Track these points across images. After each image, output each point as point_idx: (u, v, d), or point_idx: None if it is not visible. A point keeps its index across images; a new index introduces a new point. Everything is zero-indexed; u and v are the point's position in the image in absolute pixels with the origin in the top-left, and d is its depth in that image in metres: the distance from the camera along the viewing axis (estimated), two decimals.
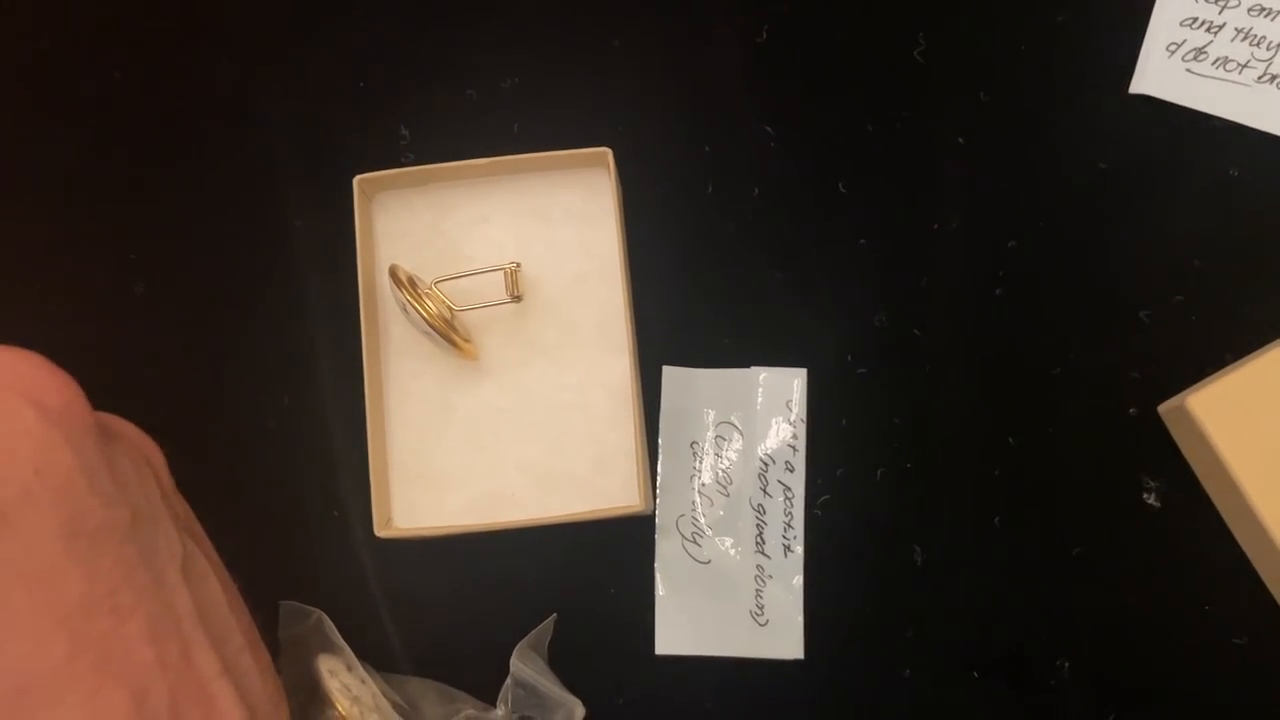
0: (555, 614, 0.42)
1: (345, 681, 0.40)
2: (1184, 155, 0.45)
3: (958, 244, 0.45)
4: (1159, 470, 0.43)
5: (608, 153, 0.41)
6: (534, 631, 0.40)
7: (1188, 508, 0.42)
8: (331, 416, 0.44)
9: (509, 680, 0.38)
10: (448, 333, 0.40)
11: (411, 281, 0.40)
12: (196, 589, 0.28)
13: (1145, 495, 0.43)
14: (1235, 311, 0.44)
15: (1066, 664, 0.42)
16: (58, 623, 0.24)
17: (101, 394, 0.46)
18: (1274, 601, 0.42)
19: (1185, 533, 0.42)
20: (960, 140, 0.45)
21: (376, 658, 0.42)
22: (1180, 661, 0.42)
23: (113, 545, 0.25)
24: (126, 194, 0.47)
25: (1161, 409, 0.43)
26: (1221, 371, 0.42)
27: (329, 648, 0.41)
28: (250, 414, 0.45)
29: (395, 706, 0.40)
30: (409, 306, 0.39)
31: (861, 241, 0.45)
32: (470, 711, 0.39)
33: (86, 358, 0.46)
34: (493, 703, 0.39)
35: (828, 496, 0.43)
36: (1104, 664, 0.42)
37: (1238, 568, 0.42)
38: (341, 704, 0.39)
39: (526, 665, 0.39)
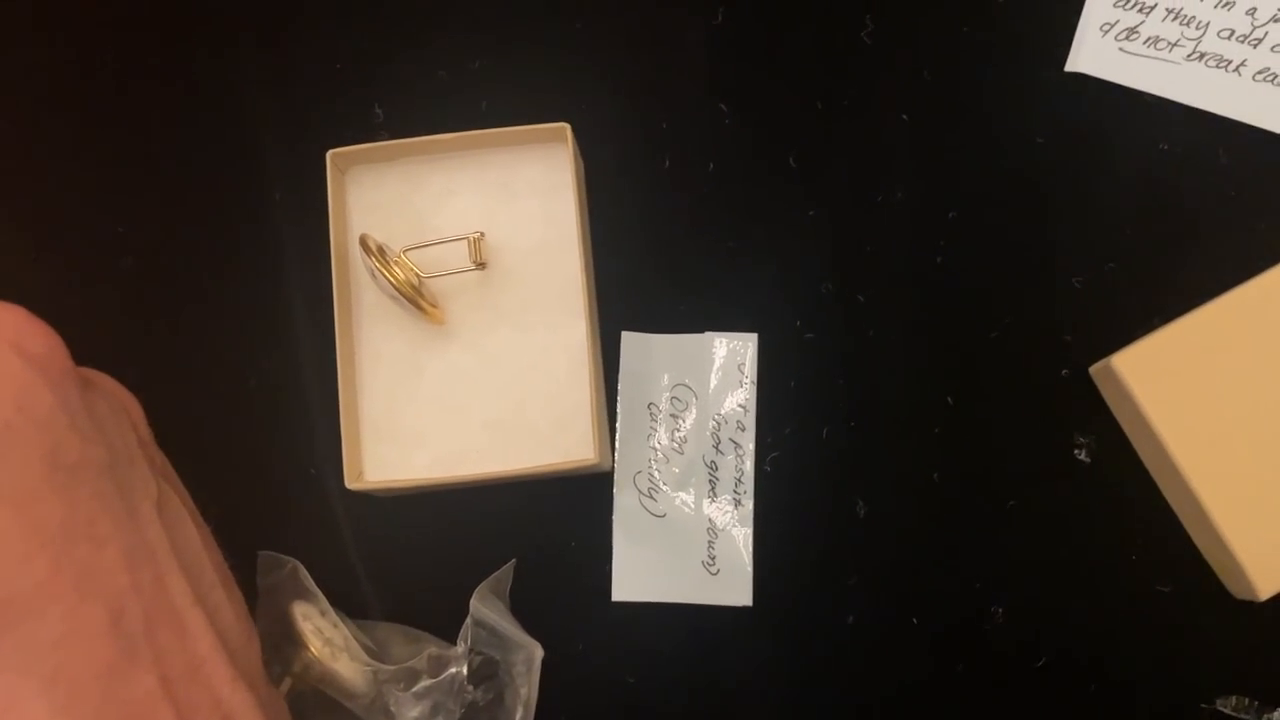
0: (514, 559, 0.44)
1: (318, 625, 0.42)
2: (1116, 130, 0.48)
3: (901, 215, 0.47)
4: (1089, 428, 0.45)
5: (566, 128, 0.44)
6: (493, 576, 0.43)
7: (1116, 463, 0.45)
8: (308, 377, 0.47)
9: (469, 620, 0.41)
10: (415, 298, 0.43)
11: (381, 250, 0.43)
12: (171, 528, 0.30)
13: (1076, 451, 0.45)
14: (1164, 278, 0.46)
15: (1001, 610, 0.44)
16: (40, 544, 0.26)
17: (88, 356, 0.48)
18: (1196, 551, 0.44)
19: (1114, 486, 0.45)
20: (904, 117, 0.48)
21: (348, 605, 0.45)
22: (1108, 608, 0.45)
23: (90, 478, 0.28)
24: (113, 168, 0.50)
25: (1092, 370, 0.46)
26: (1147, 334, 0.44)
27: (303, 595, 0.43)
28: (232, 375, 0.48)
29: (365, 648, 0.43)
30: (378, 273, 0.42)
31: (811, 213, 0.48)
32: (433, 650, 0.41)
33: (74, 322, 0.48)
34: (453, 644, 0.42)
35: (777, 454, 0.46)
36: (1037, 610, 0.45)
37: (1163, 519, 0.45)
38: (314, 645, 0.42)
39: (486, 607, 0.41)
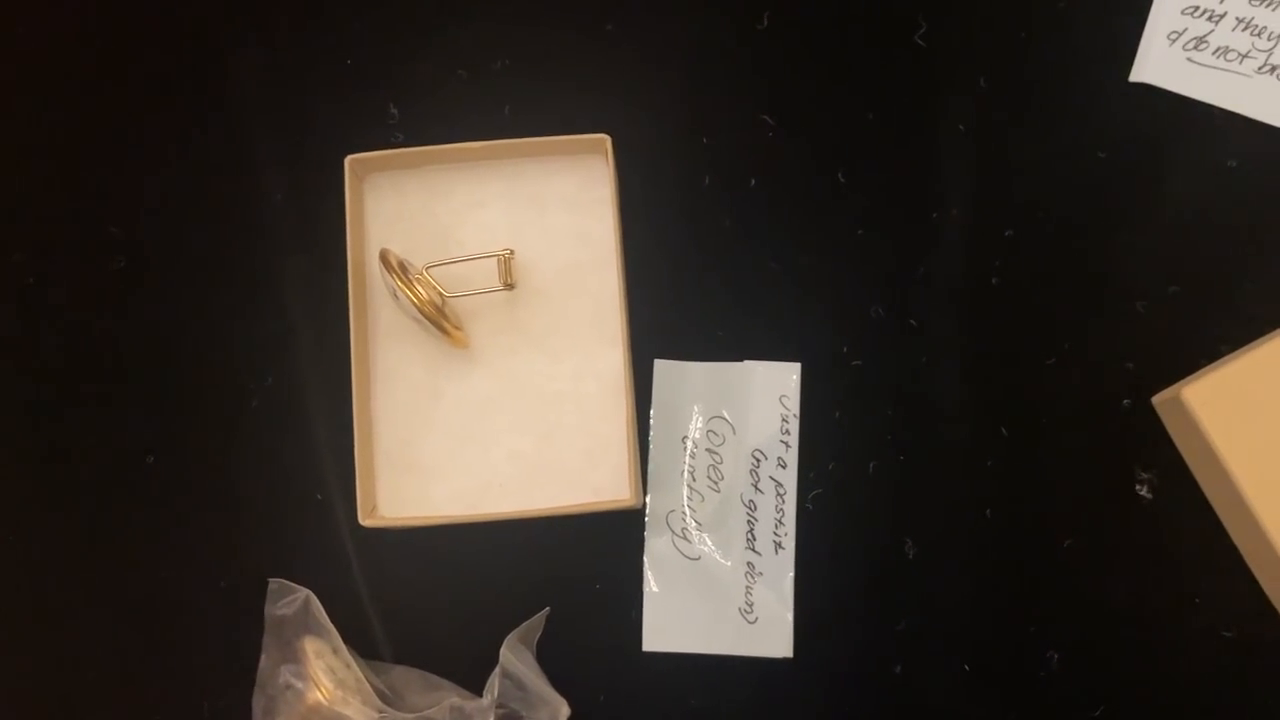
0: (548, 608, 0.42)
1: (330, 664, 0.41)
2: (1183, 145, 0.46)
3: (956, 234, 0.46)
4: (1151, 462, 0.44)
5: (606, 140, 0.42)
6: (525, 624, 0.41)
7: (1180, 500, 0.44)
8: (315, 397, 0.46)
9: (498, 669, 0.39)
10: (438, 320, 0.41)
11: (402, 266, 0.41)
12: None
13: (1138, 487, 0.44)
14: (1231, 303, 0.45)
15: (1056, 656, 0.43)
16: None
17: (86, 370, 0.47)
18: (1263, 594, 0.43)
19: (1177, 525, 0.44)
20: (960, 128, 0.46)
21: (357, 643, 0.44)
22: (1169, 654, 0.44)
23: None
24: (112, 170, 0.48)
25: (1155, 400, 0.44)
26: (1217, 363, 0.43)
27: (315, 629, 0.42)
28: (234, 392, 0.46)
29: (378, 693, 0.41)
30: (399, 292, 0.40)
31: (860, 232, 0.46)
32: (455, 700, 0.40)
33: (71, 333, 0.47)
34: (475, 693, 0.40)
35: (820, 490, 0.44)
36: (1093, 656, 0.43)
37: (1228, 560, 0.44)
38: (325, 686, 0.40)
39: (516, 658, 0.39)
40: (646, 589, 0.44)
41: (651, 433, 0.45)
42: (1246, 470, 0.41)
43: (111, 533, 0.46)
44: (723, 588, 0.44)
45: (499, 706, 0.40)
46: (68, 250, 0.48)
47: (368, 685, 0.42)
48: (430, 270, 0.42)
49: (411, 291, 0.40)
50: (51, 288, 0.47)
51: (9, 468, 0.46)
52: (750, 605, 0.43)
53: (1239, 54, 0.47)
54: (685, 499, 0.44)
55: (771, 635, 0.43)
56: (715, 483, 0.44)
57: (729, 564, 0.44)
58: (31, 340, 0.47)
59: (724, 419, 0.45)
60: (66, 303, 0.47)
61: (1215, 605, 0.43)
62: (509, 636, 0.40)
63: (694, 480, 0.44)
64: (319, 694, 0.41)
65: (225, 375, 0.46)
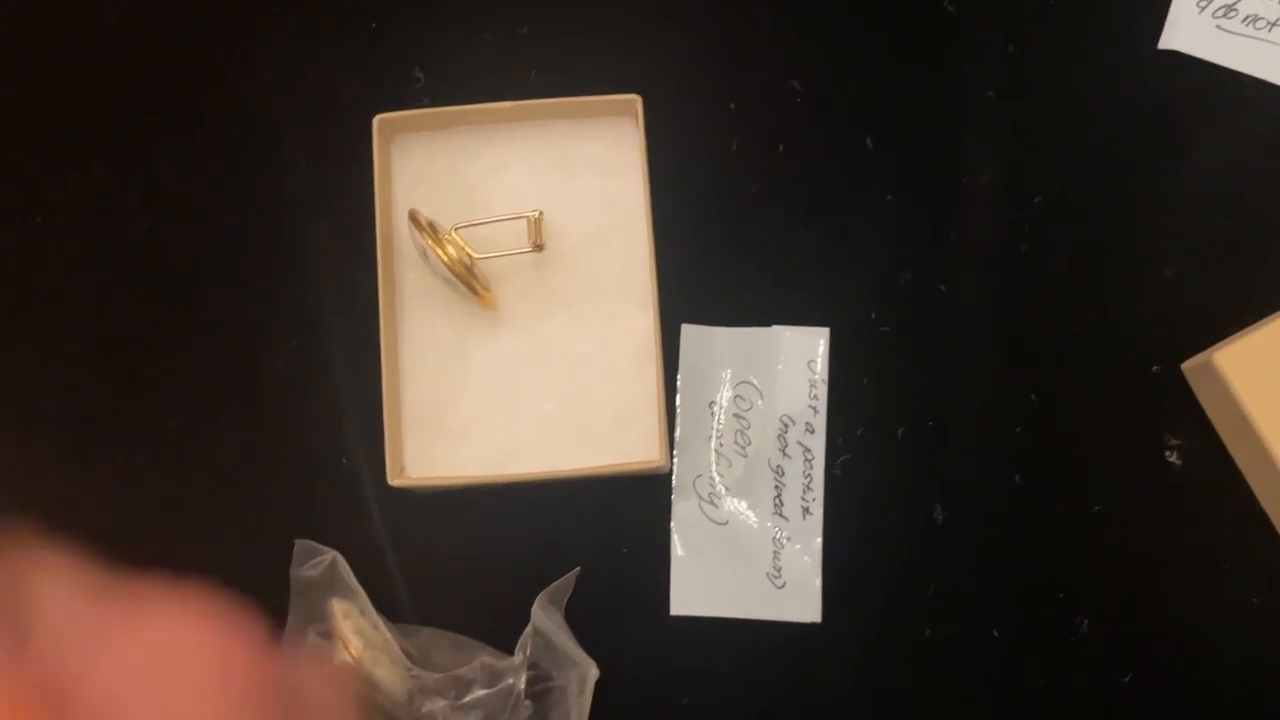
0: (579, 568, 0.42)
1: (358, 624, 0.41)
2: (1212, 112, 0.46)
3: (985, 199, 0.46)
4: (1180, 428, 0.44)
5: (636, 100, 0.42)
6: (555, 584, 0.41)
7: (1209, 466, 0.44)
8: (339, 360, 0.46)
9: (529, 628, 0.39)
10: (468, 279, 0.41)
11: (432, 226, 0.41)
12: None
13: (1166, 453, 0.44)
14: (1261, 269, 0.45)
15: (1085, 621, 0.43)
16: None
17: (109, 334, 0.47)
18: None
19: (1206, 491, 0.44)
20: (989, 94, 0.46)
21: (384, 606, 0.43)
22: (1198, 620, 0.43)
23: None
24: (137, 133, 0.48)
25: (1185, 366, 0.44)
26: (1248, 329, 0.43)
27: (342, 590, 0.42)
28: (259, 354, 0.46)
29: (406, 654, 0.41)
30: (429, 251, 0.40)
31: (888, 198, 0.46)
32: (486, 659, 0.40)
33: (94, 297, 0.47)
34: (502, 655, 0.40)
35: (848, 456, 0.44)
36: (1122, 622, 0.43)
37: (1258, 527, 0.44)
38: (354, 647, 0.40)
39: (546, 618, 0.39)
40: (673, 553, 0.43)
41: (679, 398, 0.44)
42: (1278, 435, 0.41)
43: (135, 496, 0.46)
44: (750, 553, 0.44)
45: (530, 667, 0.40)
46: (92, 212, 0.48)
47: (395, 647, 0.42)
48: (458, 230, 0.42)
49: (442, 250, 0.40)
50: (75, 251, 0.48)
51: (31, 432, 0.47)
52: (778, 570, 0.43)
53: (1268, 22, 0.47)
54: (713, 464, 0.44)
55: (800, 600, 0.43)
56: (743, 448, 0.44)
57: (757, 529, 0.44)
58: (55, 305, 0.47)
59: (752, 384, 0.45)
60: (90, 266, 0.47)
61: (1244, 572, 0.43)
62: (539, 596, 0.40)
63: (721, 445, 0.44)
64: (347, 654, 0.41)
65: (250, 338, 0.46)
